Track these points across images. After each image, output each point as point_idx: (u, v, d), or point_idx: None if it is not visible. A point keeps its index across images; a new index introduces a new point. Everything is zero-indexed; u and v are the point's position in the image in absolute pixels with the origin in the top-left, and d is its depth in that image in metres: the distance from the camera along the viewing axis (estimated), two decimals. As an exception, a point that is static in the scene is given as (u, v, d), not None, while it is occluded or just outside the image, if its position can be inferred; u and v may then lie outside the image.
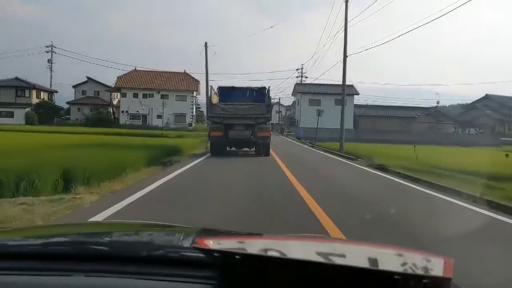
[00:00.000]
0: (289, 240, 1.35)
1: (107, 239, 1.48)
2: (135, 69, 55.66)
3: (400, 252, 1.03)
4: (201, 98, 55.13)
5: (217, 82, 48.10)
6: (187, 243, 1.29)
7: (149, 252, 1.16)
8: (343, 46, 26.35)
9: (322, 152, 24.13)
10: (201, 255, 1.00)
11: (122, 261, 1.11)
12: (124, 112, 52.53)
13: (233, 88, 20.04)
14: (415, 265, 0.91)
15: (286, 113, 78.89)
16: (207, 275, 1.02)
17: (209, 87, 19.88)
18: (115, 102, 56.43)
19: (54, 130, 32.68)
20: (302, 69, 63.58)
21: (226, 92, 19.37)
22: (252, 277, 0.94)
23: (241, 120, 17.05)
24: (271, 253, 0.96)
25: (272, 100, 22.98)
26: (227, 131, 17.05)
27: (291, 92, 60.62)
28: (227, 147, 18.22)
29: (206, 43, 29.07)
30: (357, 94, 51.71)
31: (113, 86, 54.14)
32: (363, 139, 36.06)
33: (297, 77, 64.43)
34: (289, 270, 0.91)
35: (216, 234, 1.46)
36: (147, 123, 50.77)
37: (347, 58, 26.27)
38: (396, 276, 0.85)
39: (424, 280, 0.84)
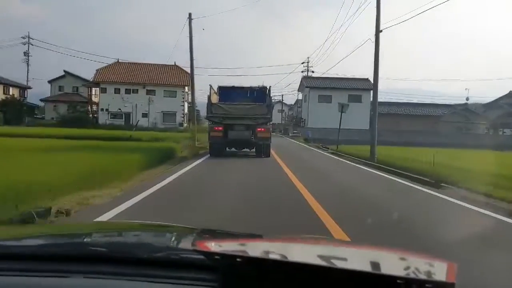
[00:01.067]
0: (290, 242, 1.32)
1: (106, 240, 1.45)
2: (118, 61, 48.57)
3: (403, 256, 1.01)
4: (198, 96, 47.93)
5: (213, 78, 41.14)
6: (187, 245, 1.25)
7: (149, 253, 1.13)
8: (375, 17, 19.55)
9: (363, 167, 15.60)
10: (202, 257, 0.98)
11: (121, 262, 1.08)
12: (104, 110, 45.63)
13: (233, 87, 19.62)
14: (418, 269, 0.89)
15: (288, 112, 72.93)
16: (208, 277, 1.00)
17: (209, 86, 18.99)
18: (96, 99, 49.40)
19: (11, 132, 25.84)
20: (308, 62, 56.33)
21: (226, 92, 19.02)
22: (253, 280, 0.92)
23: (241, 120, 16.87)
24: (272, 256, 0.95)
25: (273, 100, 22.51)
26: (227, 131, 16.86)
27: (293, 89, 53.70)
28: (227, 148, 18.05)
29: (190, 14, 22.14)
30: (374, 89, 44.75)
31: (91, 80, 47.08)
32: (383, 142, 29.55)
33: (302, 71, 57.39)
34: (290, 273, 0.90)
35: (216, 236, 1.43)
36: (131, 122, 43.98)
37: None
38: (398, 281, 0.83)
39: (427, 285, 0.83)
